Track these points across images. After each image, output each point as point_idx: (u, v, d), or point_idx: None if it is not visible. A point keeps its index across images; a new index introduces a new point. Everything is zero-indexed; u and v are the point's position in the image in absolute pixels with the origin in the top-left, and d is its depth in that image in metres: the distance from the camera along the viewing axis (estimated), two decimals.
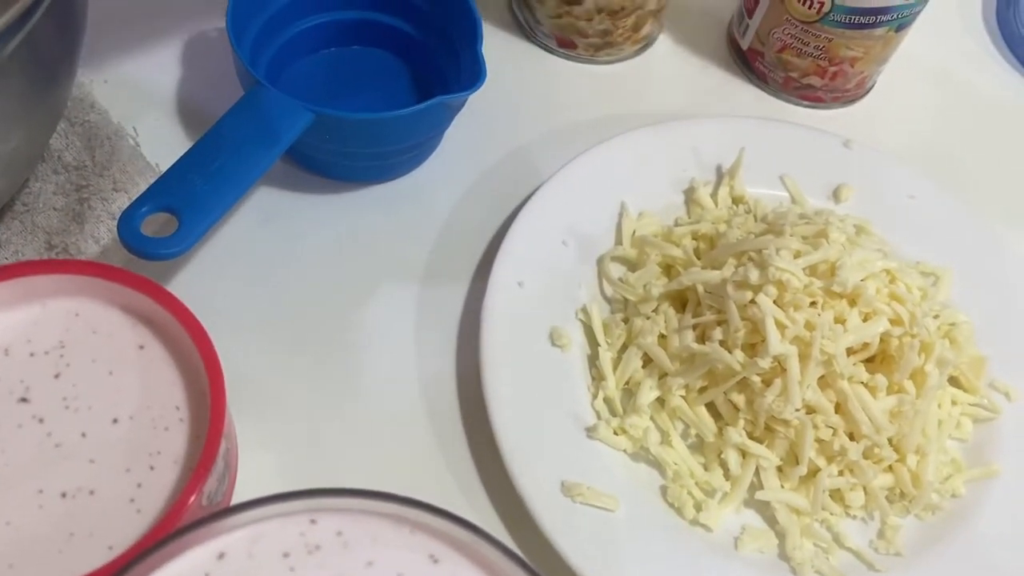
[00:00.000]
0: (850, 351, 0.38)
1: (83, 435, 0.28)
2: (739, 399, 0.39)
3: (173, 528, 0.24)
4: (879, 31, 0.48)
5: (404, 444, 0.39)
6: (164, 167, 0.43)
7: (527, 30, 0.53)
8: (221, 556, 0.24)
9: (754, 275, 0.38)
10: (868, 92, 0.55)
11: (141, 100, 0.46)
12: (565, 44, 0.52)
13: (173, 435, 0.28)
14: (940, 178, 0.49)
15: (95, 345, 0.29)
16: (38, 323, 0.29)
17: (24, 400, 0.28)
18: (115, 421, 0.28)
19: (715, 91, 0.53)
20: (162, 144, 0.44)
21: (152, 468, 0.27)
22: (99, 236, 0.40)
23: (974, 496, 0.40)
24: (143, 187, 0.42)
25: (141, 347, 0.29)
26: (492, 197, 0.47)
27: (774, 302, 0.38)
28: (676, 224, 0.46)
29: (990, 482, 0.41)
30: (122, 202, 0.41)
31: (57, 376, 0.28)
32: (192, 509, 0.26)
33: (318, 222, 0.44)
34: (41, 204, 0.41)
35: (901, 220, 0.47)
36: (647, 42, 0.53)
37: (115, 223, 0.40)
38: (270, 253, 0.43)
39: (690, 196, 0.47)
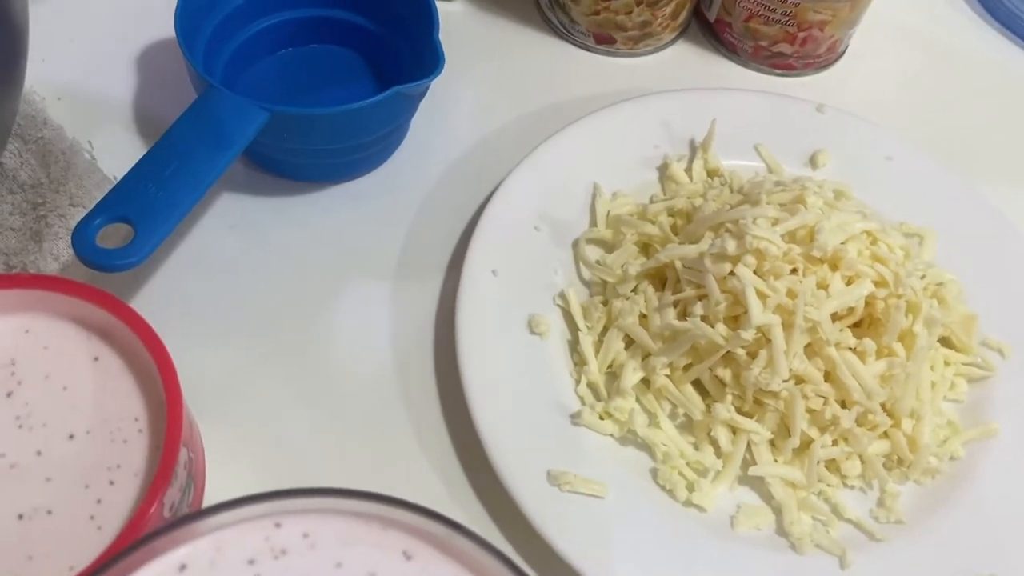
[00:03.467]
0: (835, 317, 0.37)
1: (38, 453, 0.26)
2: (725, 374, 0.38)
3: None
4: None
5: (383, 442, 0.38)
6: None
7: (562, 31, 0.52)
8: (183, 568, 0.23)
9: (731, 246, 0.37)
10: (841, 56, 0.54)
11: (96, 114, 0.45)
12: (603, 40, 0.51)
13: (132, 447, 0.27)
14: (917, 139, 0.48)
15: (47, 360, 0.28)
16: None
17: None
18: (71, 437, 0.27)
19: (685, 65, 0.52)
20: (119, 156, 0.43)
21: (112, 483, 0.26)
22: (58, 253, 0.39)
23: (974, 457, 0.39)
24: None
25: (96, 359, 0.28)
26: (463, 187, 0.46)
27: (754, 272, 0.37)
28: (651, 202, 0.45)
29: (989, 442, 0.40)
30: (80, 217, 0.40)
31: (9, 395, 0.27)
32: (153, 521, 0.25)
33: (285, 224, 0.43)
34: None
35: (880, 182, 0.46)
36: (684, 28, 0.52)
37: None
38: (238, 259, 0.42)
39: (664, 172, 0.46)
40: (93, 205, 0.40)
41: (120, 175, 0.42)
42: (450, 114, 0.48)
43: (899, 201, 0.45)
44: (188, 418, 0.27)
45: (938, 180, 0.47)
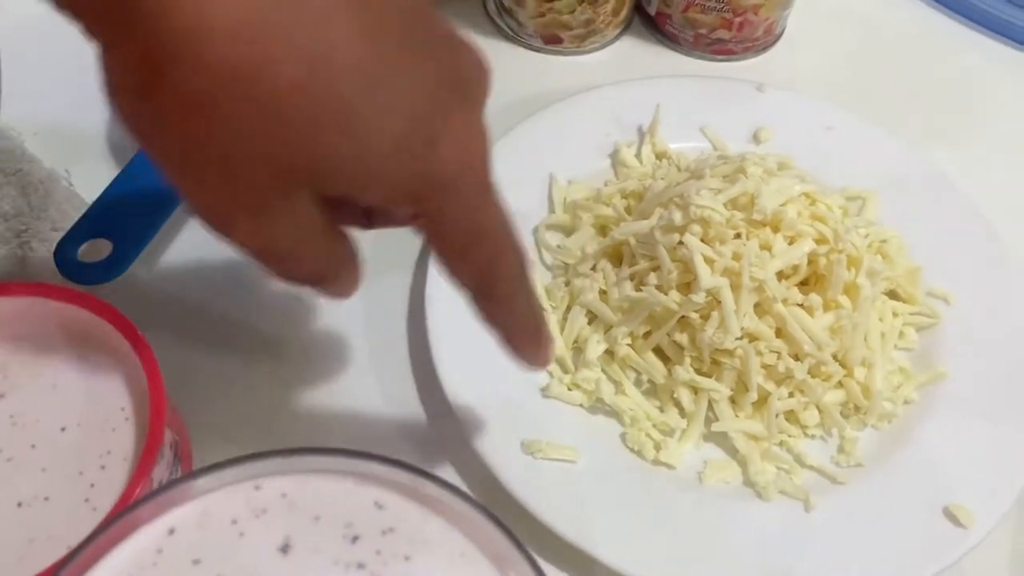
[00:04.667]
0: (781, 275, 0.39)
1: (33, 447, 0.28)
2: (682, 338, 0.40)
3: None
4: None
5: (361, 427, 0.40)
6: None
7: (511, 35, 0.54)
8: (171, 531, 0.25)
9: (677, 216, 0.40)
10: (779, 39, 0.56)
11: (71, 145, 0.47)
12: (551, 40, 0.53)
13: (120, 434, 0.29)
14: (860, 111, 0.50)
15: (37, 363, 0.30)
16: None
17: None
18: (63, 429, 0.29)
19: (631, 59, 0.55)
20: (96, 183, 0.44)
21: (103, 468, 0.28)
22: (44, 278, 0.41)
23: (927, 400, 0.41)
24: None
25: (81, 359, 0.30)
26: None
27: (700, 240, 0.39)
28: (605, 186, 0.47)
29: (941, 385, 0.42)
30: None
31: (2, 396, 0.29)
32: (141, 496, 0.26)
33: None
34: None
35: (823, 151, 0.48)
36: (627, 24, 0.55)
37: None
38: (208, 264, 0.44)
39: (615, 158, 0.48)
40: None
41: None
42: None
43: (842, 167, 0.48)
44: (170, 403, 0.29)
45: (879, 145, 0.49)
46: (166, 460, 0.28)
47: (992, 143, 0.53)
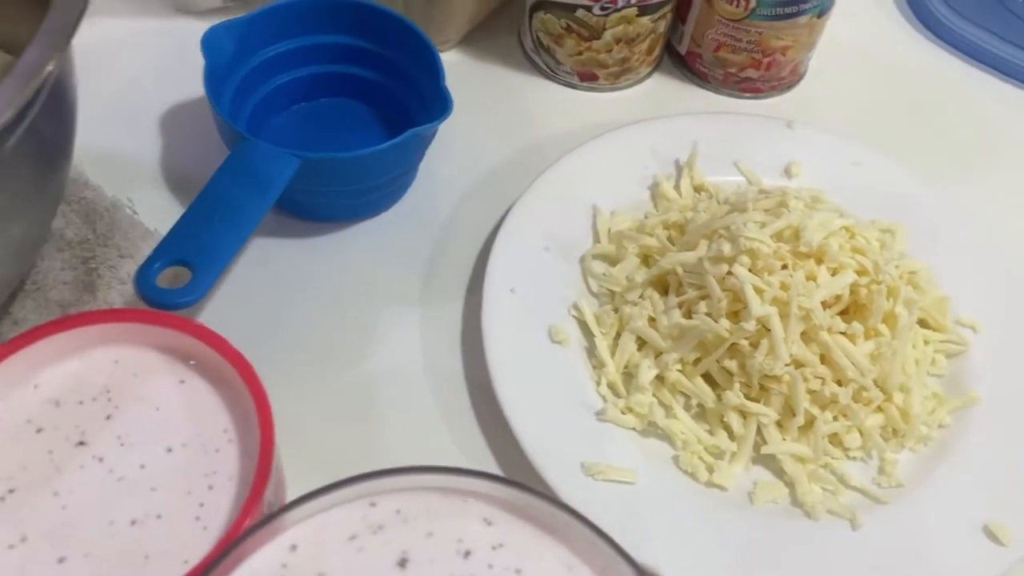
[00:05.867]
0: (825, 305, 0.41)
1: (142, 467, 0.30)
2: (731, 364, 0.42)
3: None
4: (803, 19, 0.52)
5: (427, 453, 0.41)
6: (163, 231, 0.46)
7: (548, 72, 0.57)
8: (293, 548, 0.26)
9: (727, 248, 0.42)
10: (802, 78, 0.59)
11: (132, 172, 0.48)
12: (587, 77, 0.56)
13: (225, 455, 0.30)
14: (879, 145, 0.53)
15: (139, 386, 0.31)
16: (82, 374, 0.31)
17: (82, 443, 0.30)
18: (169, 450, 0.30)
19: (662, 95, 0.57)
20: (158, 210, 0.46)
21: (211, 487, 0.29)
22: (112, 301, 0.42)
23: (960, 424, 0.43)
24: (147, 251, 0.44)
25: (182, 382, 0.31)
26: (473, 217, 0.50)
27: (748, 270, 0.41)
28: (646, 218, 0.49)
29: (972, 409, 0.44)
30: (129, 268, 0.43)
31: (108, 418, 0.30)
32: (254, 515, 0.28)
33: (312, 262, 0.47)
34: (51, 280, 0.43)
35: (850, 186, 0.51)
36: (658, 62, 0.57)
37: (126, 288, 0.43)
38: (271, 295, 0.45)
39: (655, 191, 0.50)
40: (141, 256, 0.44)
41: (160, 227, 0.46)
42: (454, 153, 0.52)
43: (869, 201, 0.50)
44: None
45: (902, 179, 0.51)
46: (274, 480, 0.29)
47: (1003, 177, 0.56)
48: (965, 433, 0.43)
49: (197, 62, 0.45)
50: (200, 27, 0.46)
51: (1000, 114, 0.59)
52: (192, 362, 0.32)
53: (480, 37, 0.58)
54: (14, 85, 0.29)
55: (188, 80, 0.48)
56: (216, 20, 0.51)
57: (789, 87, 0.58)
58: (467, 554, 0.26)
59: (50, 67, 0.30)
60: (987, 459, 0.42)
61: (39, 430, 0.30)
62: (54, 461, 0.29)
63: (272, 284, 0.46)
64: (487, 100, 0.55)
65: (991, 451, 0.42)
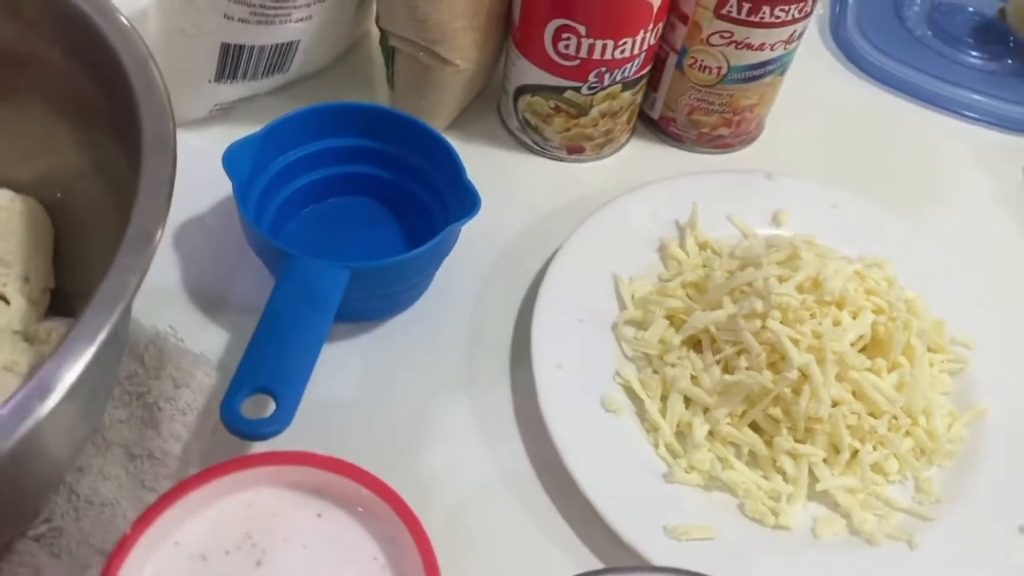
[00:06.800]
0: (851, 346, 0.45)
1: None
2: (776, 411, 0.45)
3: None
4: (768, 79, 0.57)
5: (502, 537, 0.43)
6: (211, 355, 0.46)
7: (536, 148, 0.59)
8: None
9: (759, 305, 0.45)
10: (763, 130, 0.63)
11: (160, 300, 0.48)
12: (574, 151, 0.59)
13: None
14: (839, 184, 0.58)
15: (279, 527, 0.32)
16: (219, 522, 0.32)
17: None
18: None
19: (642, 159, 0.61)
20: (198, 333, 0.46)
21: None
22: (177, 433, 0.42)
23: (975, 436, 0.48)
24: (201, 378, 0.44)
25: (319, 515, 0.32)
26: (498, 297, 0.51)
27: (779, 322, 0.45)
28: (659, 279, 0.52)
29: (983, 421, 0.48)
30: (188, 397, 0.43)
31: (259, 564, 0.31)
32: None
33: (355, 362, 0.48)
34: (106, 421, 0.42)
35: (833, 227, 0.55)
36: (634, 129, 0.61)
37: (187, 419, 0.43)
38: (324, 397, 0.46)
39: (664, 253, 0.53)
40: (196, 384, 0.44)
41: (206, 351, 0.46)
42: (466, 236, 0.53)
43: (852, 239, 0.55)
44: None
45: (876, 215, 0.56)
46: None
47: (955, 204, 0.62)
48: (982, 443, 0.47)
49: (193, 176, 0.44)
50: (189, 139, 0.46)
51: (934, 141, 0.66)
52: (322, 495, 0.33)
53: (463, 122, 0.60)
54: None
55: (188, 196, 0.48)
56: (202, 130, 0.51)
57: (752, 139, 0.63)
58: None
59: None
60: (1007, 463, 0.46)
61: None
62: None
63: (314, 391, 0.46)
64: (483, 180, 0.57)
65: (1010, 455, 0.47)
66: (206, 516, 0.32)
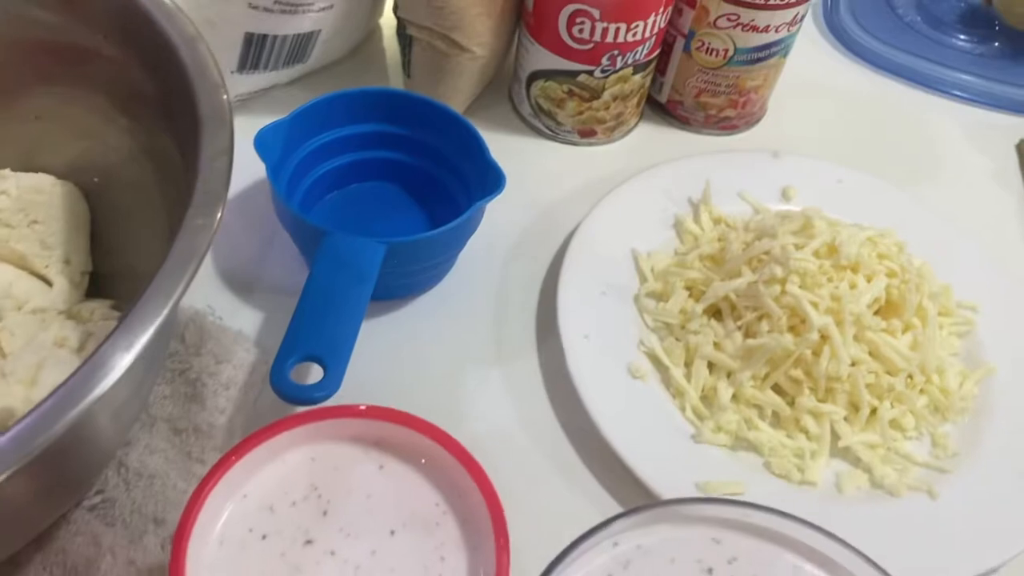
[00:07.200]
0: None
1: (373, 553, 0.31)
2: (797, 373, 0.47)
3: None
4: (772, 60, 0.59)
5: (546, 501, 0.44)
6: (247, 331, 0.47)
7: (548, 133, 0.61)
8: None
9: (778, 270, 0.47)
10: (767, 112, 0.65)
11: (196, 281, 0.48)
12: (587, 134, 0.60)
13: (445, 527, 0.32)
14: (844, 164, 0.60)
15: (342, 479, 0.33)
16: (284, 477, 0.33)
17: (309, 542, 0.31)
18: (392, 533, 0.32)
19: (652, 140, 0.63)
20: (233, 312, 0.47)
21: (443, 559, 0.31)
22: (222, 407, 0.43)
23: (985, 392, 0.50)
24: (241, 354, 0.45)
25: (381, 467, 0.33)
26: (522, 272, 0.53)
27: (799, 287, 0.47)
28: (676, 253, 0.54)
29: (992, 379, 0.50)
30: (229, 372, 0.44)
31: (325, 513, 0.32)
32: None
33: (385, 338, 0.49)
34: (151, 398, 0.43)
35: (841, 201, 0.57)
36: (643, 112, 0.63)
37: (230, 392, 0.44)
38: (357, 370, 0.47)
39: (679, 228, 0.55)
40: (237, 359, 0.45)
41: (243, 329, 0.47)
42: (488, 217, 0.55)
43: (859, 212, 0.57)
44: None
45: (879, 189, 0.58)
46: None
47: (951, 179, 0.64)
48: (992, 399, 0.49)
49: None
50: None
51: (927, 120, 0.68)
52: (383, 447, 0.34)
53: (475, 109, 0.62)
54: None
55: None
56: None
57: (757, 120, 0.65)
58: (710, 571, 0.30)
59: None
60: (1016, 416, 0.48)
61: (264, 536, 0.31)
62: (290, 562, 0.31)
63: (351, 363, 0.47)
64: (502, 165, 0.59)
65: (1017, 409, 0.49)
66: (272, 470, 0.33)
